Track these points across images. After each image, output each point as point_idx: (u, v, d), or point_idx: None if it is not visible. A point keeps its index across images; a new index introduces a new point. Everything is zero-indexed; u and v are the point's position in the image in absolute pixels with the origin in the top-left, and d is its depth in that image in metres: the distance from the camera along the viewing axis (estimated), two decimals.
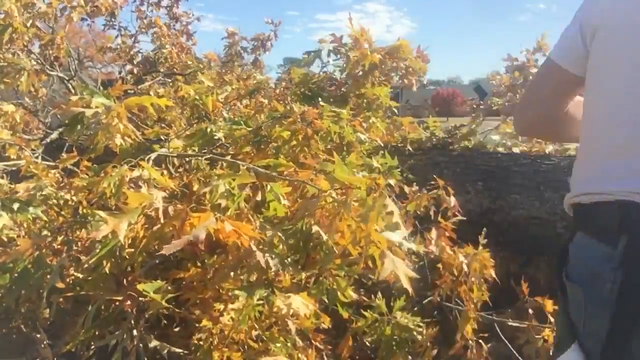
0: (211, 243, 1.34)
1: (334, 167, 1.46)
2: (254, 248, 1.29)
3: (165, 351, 1.52)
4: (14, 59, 3.56)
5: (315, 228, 1.44)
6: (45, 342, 1.71)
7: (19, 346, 1.90)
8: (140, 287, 1.36)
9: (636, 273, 0.99)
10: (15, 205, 1.74)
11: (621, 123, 1.07)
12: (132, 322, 1.46)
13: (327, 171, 1.48)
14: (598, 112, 1.14)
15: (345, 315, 1.99)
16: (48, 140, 3.84)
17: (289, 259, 1.52)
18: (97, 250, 1.39)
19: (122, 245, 1.43)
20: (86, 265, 1.48)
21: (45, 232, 1.83)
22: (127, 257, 1.46)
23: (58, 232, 1.70)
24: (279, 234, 1.47)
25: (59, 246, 1.64)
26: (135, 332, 1.48)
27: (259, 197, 1.57)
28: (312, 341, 1.90)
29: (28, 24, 3.72)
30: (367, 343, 2.26)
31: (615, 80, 1.09)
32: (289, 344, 1.77)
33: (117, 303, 1.46)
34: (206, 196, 1.60)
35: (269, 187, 1.54)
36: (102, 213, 1.26)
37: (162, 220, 1.29)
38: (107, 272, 1.41)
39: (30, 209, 1.72)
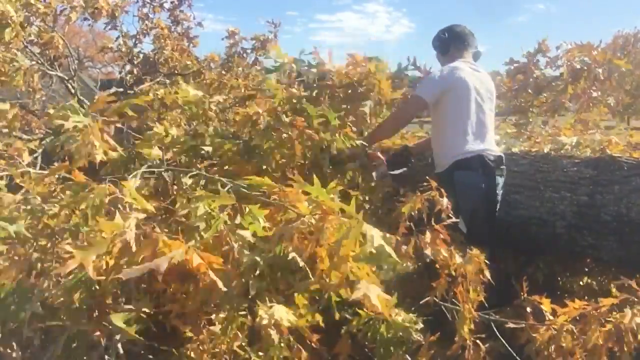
0: (181, 272, 1.32)
1: (313, 189, 1.44)
2: (220, 285, 1.27)
3: None
4: (10, 56, 3.51)
5: (292, 254, 1.42)
6: None
7: None
8: (111, 317, 1.35)
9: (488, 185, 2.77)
10: None
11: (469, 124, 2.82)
12: (104, 350, 1.45)
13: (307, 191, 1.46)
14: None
15: (337, 316, 1.95)
16: (48, 140, 3.85)
17: (267, 281, 1.49)
18: (64, 282, 1.38)
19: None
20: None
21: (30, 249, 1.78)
22: (98, 286, 1.43)
23: (42, 252, 1.66)
24: (257, 258, 1.45)
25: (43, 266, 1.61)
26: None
27: (238, 220, 1.55)
28: (307, 341, 1.87)
29: (26, 23, 3.69)
30: (365, 342, 2.23)
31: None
32: (282, 345, 1.74)
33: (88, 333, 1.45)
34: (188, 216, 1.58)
35: (247, 209, 1.52)
36: (68, 247, 1.25)
37: (133, 249, 1.28)
38: (76, 303, 1.39)
39: (14, 226, 1.68)
